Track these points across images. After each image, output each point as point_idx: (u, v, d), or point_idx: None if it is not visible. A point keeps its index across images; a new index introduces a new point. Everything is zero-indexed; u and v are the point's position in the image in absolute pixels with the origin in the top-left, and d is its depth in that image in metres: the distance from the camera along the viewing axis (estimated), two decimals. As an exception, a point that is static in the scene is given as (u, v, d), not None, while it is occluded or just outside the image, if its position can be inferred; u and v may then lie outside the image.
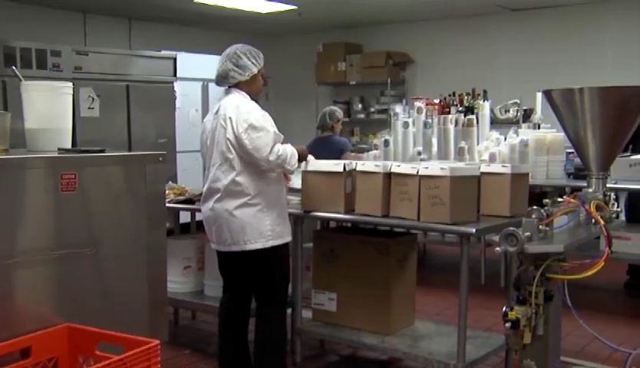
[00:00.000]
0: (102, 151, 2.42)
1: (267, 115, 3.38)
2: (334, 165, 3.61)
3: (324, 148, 5.94)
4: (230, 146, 3.29)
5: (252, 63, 3.39)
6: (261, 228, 3.31)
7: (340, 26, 9.80)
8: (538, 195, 4.23)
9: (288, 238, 3.46)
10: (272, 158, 3.27)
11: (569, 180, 5.26)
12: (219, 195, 3.33)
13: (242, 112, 3.28)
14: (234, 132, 3.26)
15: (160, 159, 2.44)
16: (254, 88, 3.45)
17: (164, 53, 7.96)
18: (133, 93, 7.37)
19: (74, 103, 2.59)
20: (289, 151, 3.37)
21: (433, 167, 3.22)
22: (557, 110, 3.36)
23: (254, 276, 3.45)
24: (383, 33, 9.65)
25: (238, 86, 3.39)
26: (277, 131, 3.35)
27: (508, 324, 2.70)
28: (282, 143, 3.35)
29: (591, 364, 3.75)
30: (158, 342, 1.87)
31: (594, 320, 4.58)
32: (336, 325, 3.85)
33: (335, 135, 6.24)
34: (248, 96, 3.40)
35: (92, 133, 6.43)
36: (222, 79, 3.41)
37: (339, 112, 6.35)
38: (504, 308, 2.78)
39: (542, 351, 2.89)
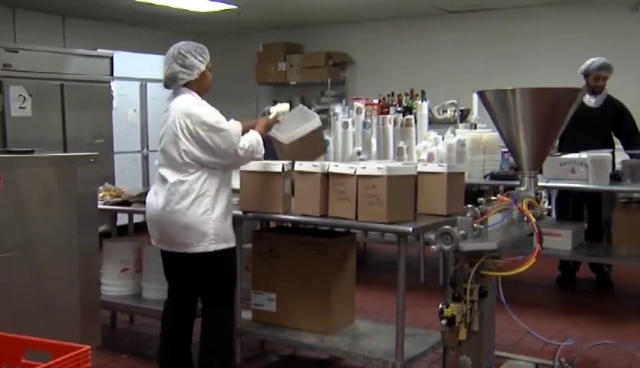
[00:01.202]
0: (31, 152, 2.34)
1: (216, 110, 3.37)
2: (272, 165, 3.59)
3: (265, 148, 5.91)
4: (179, 148, 3.24)
5: (199, 60, 3.33)
6: (205, 230, 3.27)
7: (280, 26, 9.79)
8: (475, 194, 4.30)
9: (232, 243, 3.42)
10: (241, 153, 3.30)
11: (489, 180, 5.37)
12: (164, 194, 3.28)
13: (195, 114, 3.24)
14: (191, 135, 3.22)
15: (92, 160, 2.38)
16: (204, 85, 3.41)
17: (100, 51, 7.78)
18: (68, 92, 7.18)
19: (3, 102, 2.51)
20: (254, 139, 3.40)
21: (371, 167, 3.24)
22: (491, 110, 3.44)
23: (198, 278, 3.41)
24: (323, 33, 9.69)
25: (187, 85, 3.34)
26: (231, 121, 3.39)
27: (444, 321, 2.75)
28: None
29: (524, 358, 3.83)
30: (89, 347, 1.82)
31: (527, 315, 4.70)
32: (276, 325, 3.83)
33: None
34: (197, 95, 3.35)
35: (24, 133, 6.24)
36: (170, 82, 3.35)
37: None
38: (440, 305, 2.82)
39: (477, 347, 2.95)
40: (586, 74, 5.68)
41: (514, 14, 8.29)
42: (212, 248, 3.30)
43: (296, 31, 9.89)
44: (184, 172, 3.26)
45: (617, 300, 5.62)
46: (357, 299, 4.05)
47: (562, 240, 5.45)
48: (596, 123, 5.61)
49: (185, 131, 3.23)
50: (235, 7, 8.14)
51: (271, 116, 3.72)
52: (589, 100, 5.68)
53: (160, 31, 9.38)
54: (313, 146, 3.84)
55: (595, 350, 4.02)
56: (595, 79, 5.63)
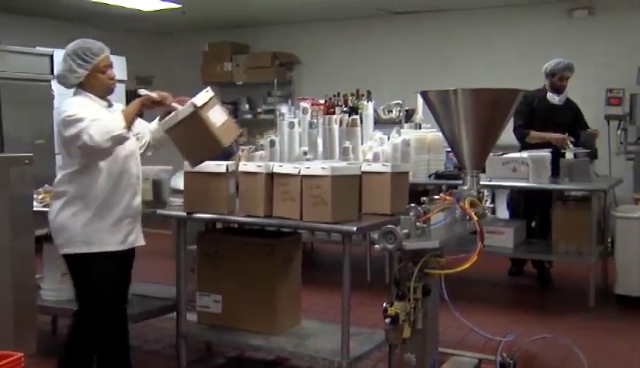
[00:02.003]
0: (-39, 152, 2.26)
1: (89, 107, 3.13)
2: (215, 165, 3.56)
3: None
4: (60, 147, 3.22)
5: (79, 64, 3.16)
6: (72, 232, 3.17)
7: (226, 26, 9.72)
8: (421, 193, 4.35)
9: (105, 247, 3.21)
10: (86, 141, 2.97)
11: (434, 179, 5.46)
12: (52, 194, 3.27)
13: (60, 112, 3.13)
14: (58, 134, 3.18)
15: (27, 161, 2.31)
16: (96, 86, 3.23)
17: (40, 50, 7.57)
18: (5, 91, 6.98)
19: None
20: (103, 122, 3.02)
21: (315, 167, 3.24)
22: (434, 110, 3.48)
23: (73, 281, 3.34)
24: (269, 33, 9.66)
25: (81, 86, 3.23)
26: (100, 116, 3.08)
27: (388, 320, 2.77)
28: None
29: (468, 354, 3.89)
30: (21, 355, 1.76)
31: (472, 312, 4.78)
32: (222, 327, 3.80)
33: None
34: (90, 96, 3.21)
35: (-43, 133, 6.04)
36: (61, 82, 3.25)
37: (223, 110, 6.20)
38: (384, 304, 2.84)
39: (421, 344, 2.98)
40: (552, 74, 5.97)
41: (456, 16, 8.43)
42: (75, 250, 3.18)
43: (242, 31, 9.83)
44: (60, 173, 3.23)
45: (556, 296, 5.77)
46: (304, 299, 4.05)
47: (504, 237, 5.57)
48: (561, 120, 5.93)
49: (57, 133, 3.21)
50: (179, 6, 8.04)
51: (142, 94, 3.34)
52: (553, 98, 5.98)
53: (103, 29, 9.18)
54: (204, 135, 3.19)
55: (534, 344, 4.12)
56: (560, 79, 5.94)
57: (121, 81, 7.73)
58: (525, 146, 5.83)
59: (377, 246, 2.71)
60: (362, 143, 5.78)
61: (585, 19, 7.83)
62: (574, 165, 5.36)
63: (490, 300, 5.60)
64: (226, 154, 5.89)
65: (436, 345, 3.25)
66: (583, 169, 5.38)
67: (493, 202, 7.42)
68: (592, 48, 7.72)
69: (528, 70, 7.75)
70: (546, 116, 5.94)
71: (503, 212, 7.26)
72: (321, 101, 6.32)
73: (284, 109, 6.30)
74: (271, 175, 3.41)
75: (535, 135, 5.86)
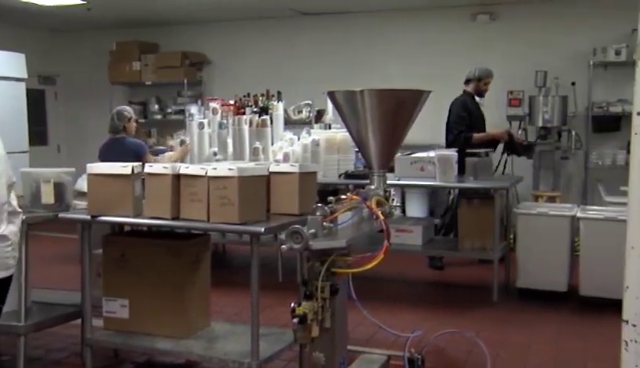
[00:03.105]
0: None
1: None
2: (121, 167, 3.47)
3: (117, 150, 5.70)
4: None
5: None
6: None
7: (134, 24, 9.49)
8: (331, 193, 4.39)
9: None
10: None
11: (343, 179, 5.53)
12: None
13: None
14: None
15: None
16: None
17: None
18: None
19: None
20: None
21: (222, 168, 3.21)
22: (341, 111, 3.51)
23: None
24: (179, 32, 9.52)
25: None
26: None
27: (296, 320, 2.78)
28: None
29: (377, 351, 3.96)
30: None
31: (382, 310, 4.89)
32: (129, 332, 3.70)
33: (129, 136, 5.95)
34: None
35: None
36: None
37: (128, 111, 6.00)
38: (292, 304, 2.85)
39: (330, 343, 3.00)
40: (479, 79, 6.44)
41: (366, 17, 8.57)
42: None
43: (151, 30, 9.64)
44: None
45: (462, 291, 5.93)
46: (215, 301, 4.02)
47: (413, 235, 5.70)
48: (484, 119, 6.51)
49: None
50: (84, 2, 7.80)
51: None
52: (480, 101, 6.55)
53: (6, 24, 8.77)
54: None
55: (441, 339, 4.23)
56: (485, 83, 6.50)
57: (20, 79, 7.43)
58: (469, 148, 5.93)
59: (283, 246, 2.71)
60: (272, 144, 5.81)
61: (488, 24, 8.13)
62: (478, 163, 5.55)
63: (400, 297, 5.72)
64: (138, 155, 5.81)
65: (345, 343, 3.28)
66: (487, 167, 5.58)
67: (403, 200, 7.60)
68: (493, 51, 8.02)
69: (437, 71, 8.04)
70: (480, 117, 6.45)
71: (412, 211, 7.45)
72: (231, 102, 6.28)
73: (193, 109, 6.24)
74: (177, 177, 3.36)
75: (477, 136, 6.22)
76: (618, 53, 7.15)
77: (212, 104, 6.03)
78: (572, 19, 7.67)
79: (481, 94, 6.52)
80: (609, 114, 7.44)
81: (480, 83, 6.45)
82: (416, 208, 7.40)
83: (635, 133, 1.87)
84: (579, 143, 7.57)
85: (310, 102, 6.56)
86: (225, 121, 5.89)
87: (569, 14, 7.69)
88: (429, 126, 7.71)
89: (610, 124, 7.52)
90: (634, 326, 1.88)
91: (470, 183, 5.47)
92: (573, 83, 7.51)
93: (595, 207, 5.89)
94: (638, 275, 1.88)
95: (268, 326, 3.79)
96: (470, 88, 6.46)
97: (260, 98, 6.38)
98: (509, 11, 8.04)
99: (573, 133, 7.50)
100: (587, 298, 5.14)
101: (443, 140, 7.61)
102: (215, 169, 3.22)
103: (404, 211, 7.52)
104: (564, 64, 7.59)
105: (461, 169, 5.57)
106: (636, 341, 1.87)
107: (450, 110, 6.44)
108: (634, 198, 1.89)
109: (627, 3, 1.84)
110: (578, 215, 5.36)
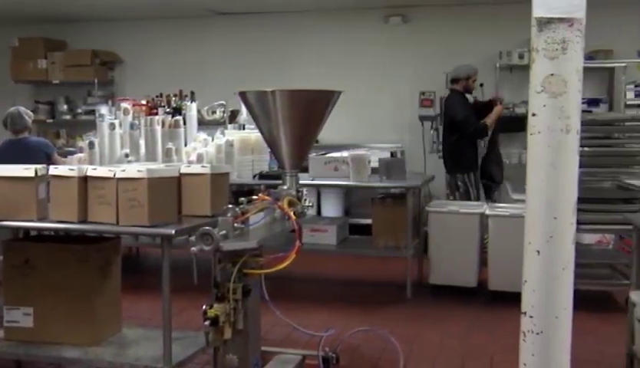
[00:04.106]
0: None
1: None
2: (23, 169, 3.33)
3: (21, 151, 5.49)
4: None
5: None
6: None
7: (38, 20, 9.13)
8: (247, 194, 4.37)
9: None
10: None
11: (258, 179, 5.53)
12: None
13: None
14: None
15: None
16: None
17: None
18: None
19: None
20: None
21: (130, 169, 3.14)
22: (252, 111, 3.51)
23: None
24: (89, 30, 9.23)
25: None
26: None
27: (207, 322, 2.75)
28: None
29: (292, 351, 3.97)
30: None
31: (297, 309, 4.90)
32: (34, 342, 3.56)
33: (32, 136, 5.74)
34: None
35: None
36: None
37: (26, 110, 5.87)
38: (204, 306, 2.82)
39: (243, 345, 2.99)
40: (468, 77, 6.71)
41: (280, 17, 8.57)
42: None
43: (58, 27, 9.30)
44: None
45: (377, 289, 6.02)
46: (128, 306, 3.92)
47: (327, 235, 5.75)
48: None
49: None
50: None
51: None
52: (469, 98, 6.83)
53: None
54: None
55: (355, 337, 4.28)
56: (473, 80, 6.82)
57: None
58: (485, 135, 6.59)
59: (193, 248, 2.69)
60: (186, 145, 5.72)
61: (400, 25, 8.29)
62: (391, 163, 5.65)
63: (315, 296, 5.74)
64: (48, 154, 5.60)
65: (258, 344, 3.28)
66: (399, 167, 5.69)
67: (318, 200, 7.65)
68: (405, 53, 8.20)
69: (351, 71, 8.15)
70: (475, 112, 6.73)
71: (327, 210, 7.51)
72: (143, 102, 6.15)
73: (104, 109, 6.08)
74: (85, 179, 3.26)
75: (490, 122, 6.56)
76: (521, 56, 7.43)
77: (124, 104, 5.89)
78: (479, 23, 7.92)
79: (469, 91, 6.83)
80: (515, 115, 7.71)
81: (468, 81, 6.74)
82: (331, 208, 7.46)
83: (531, 134, 1.95)
84: (488, 143, 7.81)
85: (224, 102, 6.51)
86: (137, 122, 5.76)
87: (476, 19, 7.94)
88: (345, 126, 7.88)
89: (516, 124, 7.78)
90: (531, 317, 1.96)
91: (382, 183, 5.57)
92: (481, 85, 7.75)
93: (503, 204, 6.12)
94: (535, 269, 1.97)
95: (183, 329, 3.73)
96: (459, 86, 6.76)
97: (173, 98, 6.28)
98: (421, 14, 8.22)
99: (482, 133, 7.74)
100: (495, 292, 5.32)
101: (358, 140, 7.77)
102: (124, 170, 3.15)
103: (319, 210, 7.57)
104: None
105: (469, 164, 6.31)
106: (533, 332, 1.96)
107: (447, 111, 6.71)
108: (530, 196, 1.97)
109: (528, 10, 1.93)
110: (487, 212, 5.54)
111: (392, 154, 5.83)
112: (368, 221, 5.92)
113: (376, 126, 8.20)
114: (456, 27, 8.05)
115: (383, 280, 6.23)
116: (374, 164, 5.80)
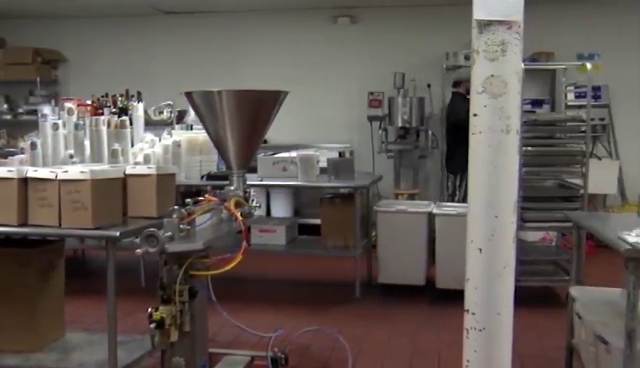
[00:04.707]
0: None
1: None
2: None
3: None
4: None
5: None
6: None
7: (-26, 16, 8.86)
8: (195, 195, 4.33)
9: None
10: None
11: (206, 180, 5.48)
12: None
13: None
14: None
15: None
16: None
17: None
18: None
19: None
20: None
21: (73, 171, 3.07)
22: (199, 112, 3.48)
23: None
24: (31, 27, 9.01)
25: None
26: None
27: (153, 325, 2.72)
28: None
29: (241, 352, 3.95)
30: None
31: (247, 310, 4.90)
32: (-28, 349, 3.46)
33: None
34: None
35: None
36: None
37: None
38: (149, 309, 2.78)
39: (189, 347, 2.96)
40: (470, 80, 6.56)
41: (229, 17, 8.52)
42: None
43: (-3, 24, 9.06)
44: None
45: (326, 289, 6.04)
46: (73, 310, 3.85)
47: (276, 235, 5.74)
48: None
49: None
50: None
51: None
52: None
53: None
54: None
55: (304, 337, 4.29)
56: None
57: None
58: None
59: (138, 250, 2.65)
60: (132, 145, 5.63)
61: (348, 26, 8.34)
62: (339, 163, 5.67)
63: (264, 297, 5.73)
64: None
65: (205, 346, 3.25)
66: (348, 167, 5.71)
67: (268, 201, 7.63)
68: (354, 53, 8.25)
69: (300, 72, 8.16)
70: None
71: (277, 211, 7.50)
72: (89, 102, 6.03)
73: (46, 109, 5.93)
74: (25, 181, 3.17)
75: None
76: (467, 57, 7.55)
77: (68, 104, 5.76)
78: (426, 24, 8.03)
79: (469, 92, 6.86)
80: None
81: (469, 82, 6.71)
82: (280, 208, 7.45)
83: (473, 134, 1.99)
84: (436, 143, 7.94)
85: (171, 102, 6.42)
86: (81, 122, 5.64)
87: (424, 20, 8.04)
88: (294, 126, 7.89)
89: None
90: (473, 314, 2.00)
91: (331, 182, 5.58)
92: (429, 85, 7.87)
93: (450, 203, 6.21)
94: (478, 267, 2.00)
95: (129, 333, 3.69)
96: (461, 89, 6.86)
97: (119, 98, 6.17)
98: (369, 15, 8.28)
99: (430, 132, 7.86)
100: (443, 290, 5.39)
101: (307, 140, 7.78)
102: (66, 171, 3.08)
103: (268, 211, 7.55)
104: (420, 66, 7.91)
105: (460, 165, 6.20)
106: (476, 329, 1.99)
107: (450, 113, 6.89)
108: (473, 195, 2.01)
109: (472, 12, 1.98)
110: (434, 211, 5.61)
111: (340, 154, 5.86)
112: (318, 221, 5.92)
113: (325, 126, 8.24)
114: (403, 28, 8.13)
115: (332, 280, 6.25)
116: (323, 164, 5.82)
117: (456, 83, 6.94)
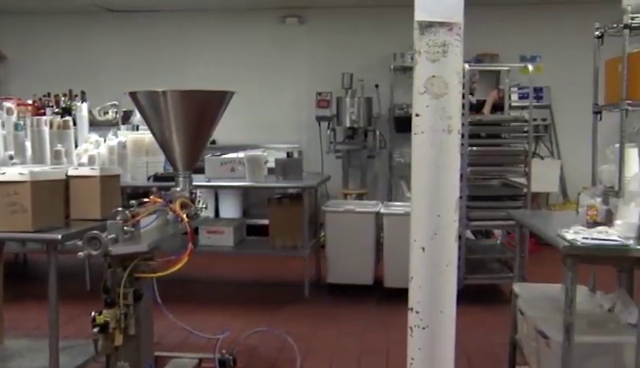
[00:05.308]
0: None
1: None
2: None
3: None
4: None
5: None
6: None
7: None
8: (142, 196, 4.27)
9: None
10: None
11: (152, 182, 5.40)
12: None
13: None
14: None
15: None
16: None
17: None
18: None
19: None
20: None
21: (11, 172, 2.99)
22: (143, 112, 3.44)
23: None
24: (-33, 24, 8.74)
25: None
26: None
27: (96, 329, 2.67)
28: None
29: (189, 355, 3.92)
30: None
31: (195, 312, 4.86)
32: None
33: None
34: None
35: None
36: None
37: None
38: (92, 313, 2.73)
39: (135, 351, 2.93)
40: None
41: (175, 16, 8.42)
42: None
43: None
44: None
45: (275, 289, 6.02)
46: (13, 316, 3.76)
47: (224, 236, 5.70)
48: None
49: None
50: None
51: None
52: (471, 99, 6.71)
53: None
54: None
55: (253, 338, 4.27)
56: (474, 82, 6.68)
57: None
58: None
59: (80, 254, 2.59)
60: (77, 146, 5.51)
61: (296, 26, 8.34)
62: (287, 163, 5.67)
63: (212, 298, 5.68)
64: None
65: (151, 350, 3.21)
66: (296, 167, 5.71)
67: (217, 201, 7.57)
68: (303, 54, 8.26)
69: (248, 72, 8.13)
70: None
71: (226, 211, 7.45)
72: (30, 101, 5.88)
73: (-16, 109, 5.76)
74: (-40, 183, 3.07)
75: (487, 112, 6.70)
76: (413, 58, 7.63)
77: (7, 104, 5.60)
78: (374, 25, 8.08)
79: (471, 92, 6.80)
80: (409, 115, 7.89)
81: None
82: (229, 209, 7.41)
83: (415, 134, 2.01)
84: (383, 143, 8.01)
85: (116, 103, 6.31)
86: (22, 122, 5.49)
87: (371, 21, 8.09)
88: (242, 126, 7.86)
89: (410, 125, 7.99)
90: (417, 312, 2.02)
91: (279, 183, 5.58)
92: (377, 86, 7.94)
93: (398, 203, 6.26)
94: (421, 266, 2.03)
95: (74, 338, 3.61)
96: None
97: (62, 98, 6.04)
98: (317, 16, 8.30)
99: (378, 132, 7.93)
100: (391, 289, 5.43)
101: (256, 140, 7.76)
102: (4, 173, 2.99)
103: (217, 212, 7.50)
104: (368, 67, 7.97)
105: None
106: (419, 327, 2.02)
107: None
108: (415, 194, 2.03)
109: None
110: (382, 211, 5.66)
111: (289, 154, 5.84)
112: (267, 221, 5.91)
113: (273, 126, 8.22)
114: (352, 29, 8.18)
115: (281, 281, 6.25)
116: (271, 165, 5.81)
117: None
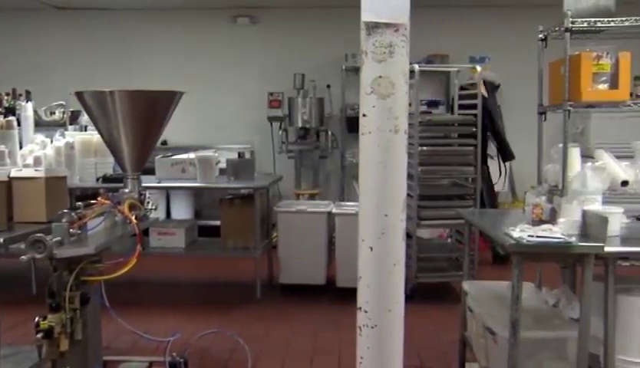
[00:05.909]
0: None
1: None
2: None
3: None
4: None
5: None
6: None
7: None
8: (91, 198, 4.20)
9: None
10: None
11: (101, 183, 5.32)
12: None
13: None
14: None
15: None
16: None
17: None
18: None
19: None
20: None
21: (-49, 174, 2.91)
22: (91, 112, 3.38)
23: None
24: None
25: None
26: None
27: (40, 334, 2.61)
28: None
29: (139, 358, 3.86)
30: None
31: (145, 315, 4.79)
32: None
33: None
34: None
35: None
36: None
37: None
38: (36, 318, 2.67)
39: (82, 355, 2.87)
40: None
41: (125, 15, 8.28)
42: None
43: None
44: None
45: (226, 291, 5.98)
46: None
47: (176, 238, 5.64)
48: None
49: None
50: None
51: None
52: None
53: None
54: None
55: (204, 340, 4.23)
56: None
57: None
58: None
59: (23, 257, 2.53)
60: (21, 147, 5.38)
61: (248, 26, 8.29)
62: (238, 164, 5.64)
63: (164, 301, 5.62)
64: None
65: (99, 354, 3.16)
66: (247, 167, 5.69)
67: (168, 202, 7.49)
68: (254, 54, 8.22)
69: (199, 71, 8.06)
70: None
71: (177, 213, 7.38)
72: (-29, 101, 5.73)
73: None
74: None
75: None
76: (366, 59, 7.68)
77: (-52, 104, 5.44)
78: (326, 26, 8.10)
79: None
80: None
81: None
82: (181, 210, 7.34)
83: (362, 134, 2.02)
84: (336, 143, 8.04)
85: (64, 102, 6.18)
86: (-38, 122, 5.34)
87: (323, 21, 8.11)
88: (193, 127, 7.79)
89: (361, 125, 8.08)
90: (366, 312, 2.04)
91: (230, 183, 5.55)
92: (328, 86, 7.96)
93: (350, 203, 6.29)
94: (369, 265, 2.04)
95: (18, 344, 3.51)
96: None
97: (5, 98, 5.89)
98: (269, 16, 8.28)
99: (330, 133, 7.96)
100: (343, 289, 5.45)
101: (207, 141, 7.70)
102: (-58, 175, 2.91)
103: (169, 213, 7.42)
104: (320, 67, 7.98)
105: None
106: (368, 326, 2.03)
107: None
108: (363, 194, 2.05)
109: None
110: (334, 211, 5.67)
111: (240, 155, 5.81)
112: (218, 222, 5.87)
113: (225, 127, 8.16)
114: (304, 30, 8.18)
115: (233, 282, 6.22)
116: (223, 165, 5.77)
117: None
